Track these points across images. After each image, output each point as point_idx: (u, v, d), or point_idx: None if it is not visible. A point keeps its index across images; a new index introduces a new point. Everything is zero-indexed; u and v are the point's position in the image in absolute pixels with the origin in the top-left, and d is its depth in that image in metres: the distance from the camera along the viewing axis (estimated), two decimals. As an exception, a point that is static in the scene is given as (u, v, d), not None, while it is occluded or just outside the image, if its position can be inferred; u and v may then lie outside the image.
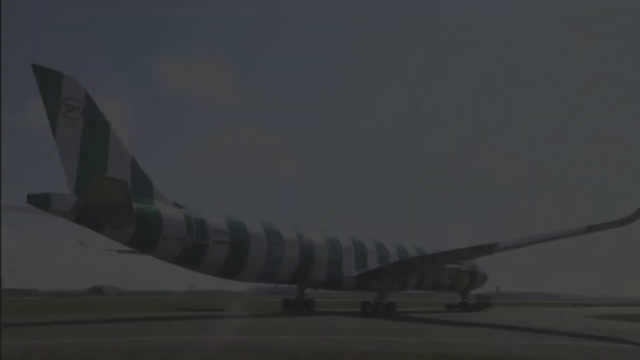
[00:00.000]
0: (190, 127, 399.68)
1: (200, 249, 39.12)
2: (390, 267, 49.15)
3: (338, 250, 48.78)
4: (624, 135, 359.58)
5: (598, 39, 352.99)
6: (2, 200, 35.64)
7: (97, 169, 34.42)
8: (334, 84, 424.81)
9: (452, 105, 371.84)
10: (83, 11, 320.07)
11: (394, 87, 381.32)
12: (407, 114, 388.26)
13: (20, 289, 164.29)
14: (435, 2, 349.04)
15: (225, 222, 41.25)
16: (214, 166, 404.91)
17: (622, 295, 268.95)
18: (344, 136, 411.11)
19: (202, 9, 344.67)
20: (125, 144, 36.74)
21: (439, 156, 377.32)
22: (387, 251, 53.25)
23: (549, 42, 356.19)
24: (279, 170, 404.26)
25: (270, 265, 43.89)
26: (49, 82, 33.11)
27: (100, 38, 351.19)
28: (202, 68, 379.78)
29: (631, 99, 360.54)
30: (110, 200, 32.28)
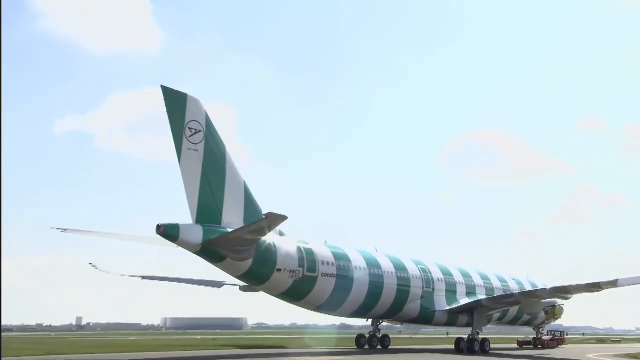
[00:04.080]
0: (88, 89, 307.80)
1: (309, 282, 39.06)
2: (489, 302, 49.23)
3: (431, 282, 48.90)
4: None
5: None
6: (129, 231, 35.61)
7: (216, 197, 34.80)
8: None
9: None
10: None
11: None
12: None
13: None
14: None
15: (330, 252, 41.30)
16: (123, 142, 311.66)
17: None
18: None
19: None
20: (239, 167, 36.99)
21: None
22: (473, 281, 53.56)
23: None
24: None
25: (371, 299, 43.85)
26: (175, 104, 33.42)
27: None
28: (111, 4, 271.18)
29: None
30: (255, 234, 32.67)
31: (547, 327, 68.57)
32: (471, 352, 46.63)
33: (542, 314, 57.19)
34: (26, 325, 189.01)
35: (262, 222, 31.88)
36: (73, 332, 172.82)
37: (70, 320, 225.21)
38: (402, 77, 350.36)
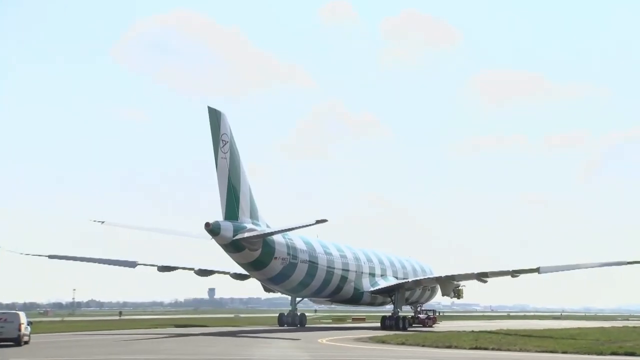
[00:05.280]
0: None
1: (293, 267, 47.74)
2: (412, 283, 59.93)
3: (360, 266, 58.13)
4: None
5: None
6: (179, 228, 42.07)
7: (235, 198, 42.71)
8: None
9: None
10: None
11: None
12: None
13: None
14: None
15: (302, 241, 49.87)
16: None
17: (609, 307, 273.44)
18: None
19: None
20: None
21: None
22: (385, 265, 62.85)
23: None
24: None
25: (327, 281, 52.94)
26: (215, 121, 40.74)
27: None
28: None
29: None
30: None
31: (424, 307, 76.58)
32: (398, 328, 53.30)
33: (426, 295, 68.52)
34: None
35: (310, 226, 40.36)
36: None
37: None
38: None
